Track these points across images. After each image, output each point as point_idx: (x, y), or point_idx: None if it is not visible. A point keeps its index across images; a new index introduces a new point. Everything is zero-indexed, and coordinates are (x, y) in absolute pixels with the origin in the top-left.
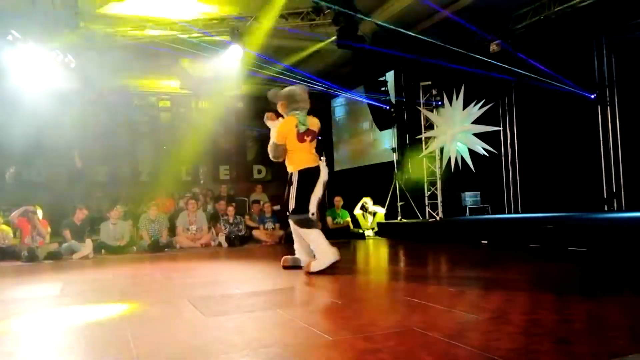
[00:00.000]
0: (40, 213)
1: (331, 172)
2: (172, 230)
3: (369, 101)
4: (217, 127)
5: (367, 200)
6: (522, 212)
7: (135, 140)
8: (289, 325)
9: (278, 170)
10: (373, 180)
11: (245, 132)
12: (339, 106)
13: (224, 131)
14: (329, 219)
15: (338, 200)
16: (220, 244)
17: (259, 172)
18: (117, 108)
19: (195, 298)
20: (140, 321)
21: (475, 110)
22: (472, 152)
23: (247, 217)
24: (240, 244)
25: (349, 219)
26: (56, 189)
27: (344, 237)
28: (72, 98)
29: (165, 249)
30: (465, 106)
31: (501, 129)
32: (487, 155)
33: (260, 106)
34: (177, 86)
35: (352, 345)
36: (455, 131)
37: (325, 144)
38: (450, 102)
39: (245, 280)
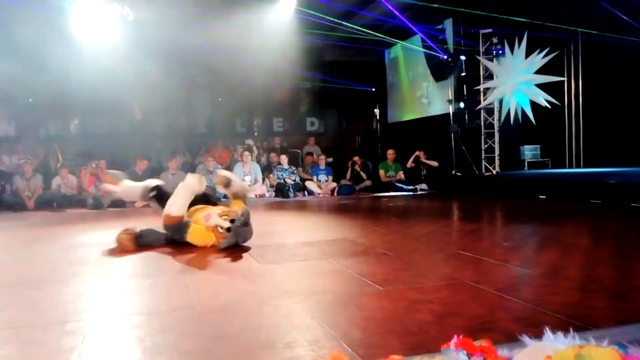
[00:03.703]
0: (103, 163)
1: (385, 124)
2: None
3: (427, 50)
4: (271, 80)
5: (420, 154)
6: (584, 167)
7: (191, 93)
8: (340, 274)
9: (331, 123)
10: (428, 133)
11: (299, 84)
12: (394, 57)
13: (277, 83)
14: (381, 172)
15: (391, 153)
16: (273, 195)
17: (312, 124)
18: (174, 60)
19: (250, 246)
20: (199, 268)
21: (538, 60)
22: (533, 104)
23: (300, 169)
24: (293, 195)
25: (402, 172)
26: (118, 140)
27: (397, 191)
28: (131, 51)
29: (222, 199)
30: (527, 55)
31: (565, 79)
32: (549, 107)
33: (314, 57)
34: (232, 38)
35: (402, 295)
36: (516, 82)
37: (380, 96)
38: (512, 51)
39: (298, 231)
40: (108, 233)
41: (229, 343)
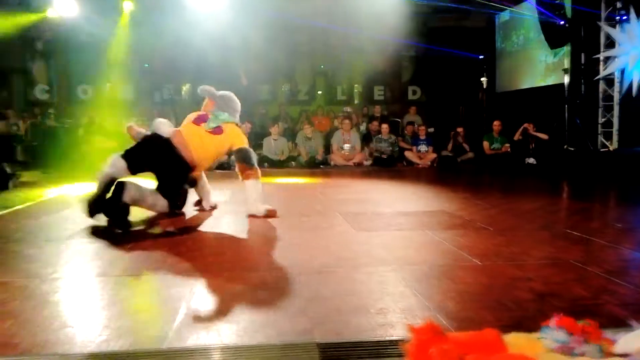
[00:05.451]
0: None
1: (492, 93)
2: (327, 148)
3: (541, 15)
4: (373, 47)
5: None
6: None
7: (294, 60)
8: (437, 246)
9: (434, 92)
10: (539, 104)
11: (401, 51)
12: (504, 22)
13: (379, 51)
14: (485, 144)
15: (497, 125)
16: (372, 163)
17: (414, 93)
18: (278, 28)
19: (347, 213)
20: (297, 231)
21: None
22: None
23: (400, 138)
24: (392, 164)
25: (508, 144)
26: None
27: (502, 164)
28: (238, 18)
29: (321, 166)
30: None
31: None
32: None
33: (418, 24)
34: (335, 5)
35: (501, 271)
36: None
37: (488, 65)
38: (638, 17)
39: (395, 201)
40: (213, 193)
41: (323, 305)
